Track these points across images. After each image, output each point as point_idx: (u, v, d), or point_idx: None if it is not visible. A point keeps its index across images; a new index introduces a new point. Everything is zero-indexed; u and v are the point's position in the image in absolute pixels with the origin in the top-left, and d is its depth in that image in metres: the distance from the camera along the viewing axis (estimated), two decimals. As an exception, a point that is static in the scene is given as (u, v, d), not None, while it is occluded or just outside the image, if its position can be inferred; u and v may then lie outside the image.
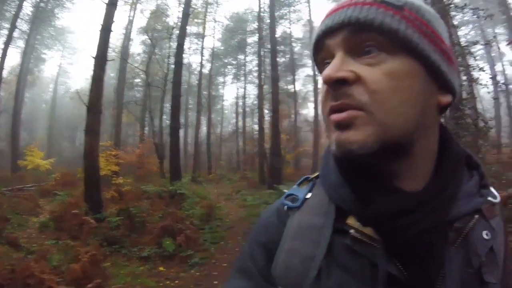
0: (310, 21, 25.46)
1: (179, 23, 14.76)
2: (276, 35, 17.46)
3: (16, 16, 19.34)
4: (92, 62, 8.51)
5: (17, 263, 4.05)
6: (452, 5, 6.41)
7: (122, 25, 22.86)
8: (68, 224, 6.40)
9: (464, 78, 6.23)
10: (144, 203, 9.09)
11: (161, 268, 5.24)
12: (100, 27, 8.68)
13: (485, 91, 7.44)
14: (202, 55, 27.14)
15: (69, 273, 4.13)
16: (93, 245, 5.24)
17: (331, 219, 0.59)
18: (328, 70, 0.53)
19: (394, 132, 0.52)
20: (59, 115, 34.78)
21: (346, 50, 0.54)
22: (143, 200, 9.55)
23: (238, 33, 27.91)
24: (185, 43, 14.96)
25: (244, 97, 30.32)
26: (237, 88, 31.90)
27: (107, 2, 8.89)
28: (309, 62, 26.84)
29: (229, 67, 31.79)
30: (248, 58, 29.54)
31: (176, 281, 4.88)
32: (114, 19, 8.95)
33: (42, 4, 22.35)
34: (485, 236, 0.58)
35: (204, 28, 26.32)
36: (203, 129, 29.44)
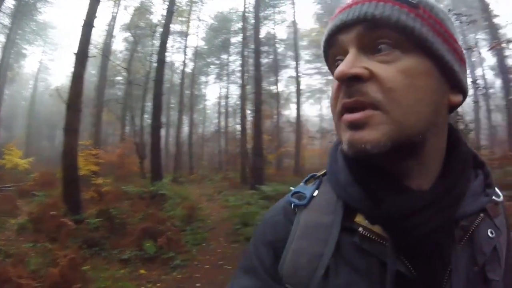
0: (294, 23, 25.54)
1: (163, 21, 14.59)
2: (260, 36, 17.46)
3: (-3, 9, 18.71)
4: (73, 58, 8.32)
5: (-6, 267, 3.95)
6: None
7: (105, 22, 22.33)
8: (46, 226, 6.23)
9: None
10: (125, 204, 8.95)
11: (142, 271, 5.17)
12: (82, 22, 8.48)
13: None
14: (185, 54, 26.89)
15: (47, 278, 4.03)
16: (72, 247, 5.14)
17: (339, 217, 0.59)
18: (342, 66, 0.52)
19: (408, 131, 0.52)
20: (39, 113, 33.75)
21: (360, 46, 0.54)
22: (123, 201, 9.39)
23: (222, 32, 27.75)
24: (168, 41, 14.78)
25: (226, 97, 30.21)
26: (220, 88, 31.74)
27: (90, -4, 8.69)
28: (292, 63, 26.98)
29: (212, 66, 31.56)
30: (232, 58, 29.42)
31: (158, 284, 4.83)
32: (97, 15, 8.78)
33: (25, -2, 21.72)
34: (490, 235, 0.60)
35: (188, 26, 26.07)
36: (185, 128, 29.17)
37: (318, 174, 0.70)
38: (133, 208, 8.47)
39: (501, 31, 14.25)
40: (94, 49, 14.21)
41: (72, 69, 8.53)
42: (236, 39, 27.14)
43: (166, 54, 14.72)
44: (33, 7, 23.46)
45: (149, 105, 19.48)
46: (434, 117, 0.54)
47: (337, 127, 0.58)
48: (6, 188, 11.78)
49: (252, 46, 18.13)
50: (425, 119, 0.53)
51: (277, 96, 25.35)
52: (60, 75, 54.74)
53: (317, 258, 0.57)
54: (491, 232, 0.60)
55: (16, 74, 31.22)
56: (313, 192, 0.65)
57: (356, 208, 0.58)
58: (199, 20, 27.27)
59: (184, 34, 26.37)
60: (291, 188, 0.69)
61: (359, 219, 0.57)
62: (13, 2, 20.94)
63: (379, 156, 0.52)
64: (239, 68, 24.32)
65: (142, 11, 20.91)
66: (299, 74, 25.55)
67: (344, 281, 0.55)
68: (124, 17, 32.36)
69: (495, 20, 14.67)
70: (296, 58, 25.47)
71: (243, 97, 19.77)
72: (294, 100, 26.26)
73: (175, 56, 33.43)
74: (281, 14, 25.65)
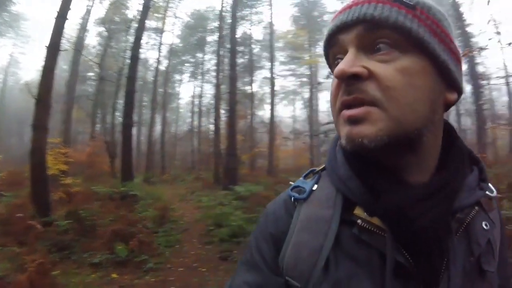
0: (271, 24, 25.61)
1: (139, 16, 14.24)
2: (236, 36, 17.41)
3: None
4: (45, 51, 8.01)
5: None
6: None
7: (79, 15, 21.46)
8: (14, 229, 5.95)
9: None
10: (95, 205, 8.67)
11: (114, 275, 5.02)
12: (56, 14, 8.19)
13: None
14: (159, 51, 26.41)
15: (15, 285, 3.88)
16: (41, 251, 4.94)
17: (339, 210, 0.61)
18: (342, 65, 0.54)
19: (406, 128, 0.54)
20: (8, 108, 32.21)
21: (359, 46, 0.56)
22: (93, 201, 9.08)
23: (198, 30, 27.47)
24: (143, 37, 14.45)
25: (200, 96, 29.90)
26: (194, 87, 31.35)
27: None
28: (267, 64, 27.05)
29: (186, 64, 31.14)
30: (207, 57, 29.18)
31: (131, 289, 4.71)
32: (71, 7, 8.50)
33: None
34: (484, 227, 0.62)
35: (164, 23, 25.57)
36: (158, 127, 28.68)
37: (317, 169, 0.72)
38: (104, 209, 8.23)
39: (474, 39, 14.98)
40: (66, 43, 13.69)
41: (43, 63, 8.22)
42: (212, 38, 26.99)
43: (140, 50, 14.40)
44: (7, -3, 22.24)
45: (121, 102, 19.04)
46: (430, 114, 0.57)
47: (336, 123, 0.61)
48: (-27, 188, 11.14)
49: (228, 46, 18.05)
50: (422, 116, 0.55)
51: (251, 96, 25.38)
52: (31, 69, 52.64)
53: (318, 250, 0.59)
54: (486, 225, 0.63)
55: (-15, 67, 29.65)
56: (313, 186, 0.67)
57: (356, 201, 0.60)
58: (176, 17, 26.86)
59: (159, 31, 25.90)
60: (291, 182, 0.71)
61: (358, 211, 0.59)
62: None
63: (377, 151, 0.54)
64: (214, 67, 24.25)
65: (117, 5, 20.29)
66: (273, 75, 25.66)
67: (345, 273, 0.57)
68: (99, 10, 31.26)
69: (468, 29, 15.39)
70: (272, 59, 25.55)
71: (217, 96, 19.66)
72: (268, 101, 26.43)
73: (150, 53, 32.93)
74: (258, 14, 25.70)
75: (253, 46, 26.27)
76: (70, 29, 20.02)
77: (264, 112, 30.30)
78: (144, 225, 7.31)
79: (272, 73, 25.44)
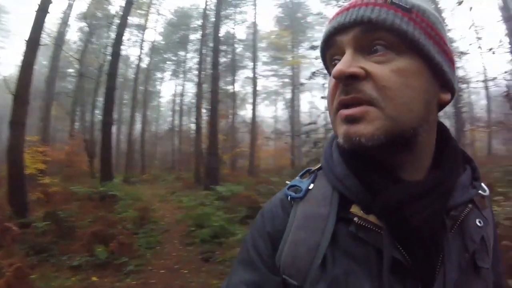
0: (254, 24, 25.60)
1: (121, 12, 13.99)
2: (220, 34, 17.35)
3: None
4: (24, 46, 7.81)
5: None
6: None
7: (60, 9, 20.87)
8: (-10, 231, 5.80)
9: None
10: (73, 205, 8.50)
11: (94, 278, 4.91)
12: (37, 7, 7.99)
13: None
14: (141, 48, 26.02)
15: (-8, 290, 3.78)
16: (18, 255, 4.82)
17: (335, 208, 0.62)
18: (340, 66, 0.56)
19: (401, 126, 0.55)
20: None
21: (356, 47, 0.58)
22: (72, 202, 8.91)
23: (181, 28, 27.22)
24: (125, 34, 14.21)
25: (182, 94, 29.68)
26: (175, 85, 31.13)
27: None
28: (249, 64, 27.02)
29: (168, 62, 30.79)
30: (189, 55, 28.98)
31: (111, 292, 4.62)
32: (52, 0, 8.32)
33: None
34: (478, 224, 0.64)
35: (146, 20, 25.23)
36: (138, 126, 28.26)
37: (313, 168, 0.73)
38: (82, 210, 8.06)
39: (455, 44, 15.46)
40: (47, 37, 13.33)
41: (22, 58, 7.99)
42: (195, 36, 26.80)
43: (122, 47, 14.17)
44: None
45: (101, 100, 18.68)
46: (425, 113, 0.58)
47: (333, 122, 0.62)
48: None
49: (211, 44, 17.94)
50: (417, 115, 0.57)
51: (233, 96, 25.35)
52: (11, 64, 50.83)
53: (315, 248, 0.59)
54: (479, 222, 0.64)
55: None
56: (309, 185, 0.67)
57: (352, 199, 0.61)
58: (159, 14, 26.54)
59: (141, 28, 25.51)
60: (287, 182, 0.72)
61: (355, 209, 0.60)
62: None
63: (374, 149, 0.56)
64: (196, 66, 24.11)
65: (100, 0, 19.92)
66: (256, 75, 25.70)
67: (342, 270, 0.58)
68: (81, 5, 30.39)
69: (450, 34, 15.87)
70: (254, 59, 25.59)
71: (199, 95, 19.54)
72: (250, 100, 26.43)
73: (131, 50, 32.32)
74: (242, 14, 25.69)
75: (236, 45, 26.20)
76: (51, 23, 19.60)
77: (246, 112, 30.33)
78: (124, 226, 7.20)
79: (254, 73, 25.51)
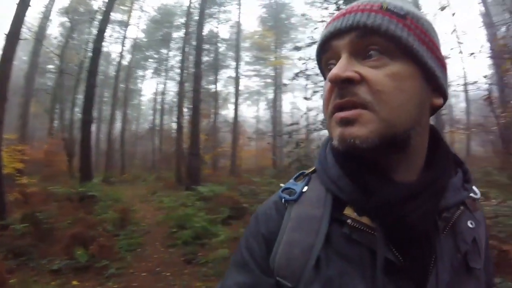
0: (238, 23, 25.59)
1: (104, 8, 13.73)
2: (203, 33, 17.22)
3: None
4: (3, 40, 7.59)
5: None
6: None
7: (42, 3, 20.28)
8: (-33, 234, 5.61)
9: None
10: (52, 206, 8.28)
11: (74, 282, 4.80)
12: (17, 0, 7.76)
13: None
14: (123, 45, 25.62)
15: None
16: (-5, 259, 4.71)
17: (329, 209, 0.63)
18: (336, 70, 0.57)
19: (395, 129, 0.57)
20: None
21: (351, 52, 0.59)
22: (51, 203, 8.68)
23: (164, 26, 26.80)
24: (107, 30, 13.93)
25: (163, 93, 29.29)
26: (157, 84, 30.73)
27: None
28: (232, 63, 26.94)
29: (150, 60, 30.27)
30: (171, 53, 28.58)
31: (92, 297, 4.52)
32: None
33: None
34: (470, 225, 0.65)
35: (129, 16, 24.85)
36: (118, 124, 27.77)
37: (307, 171, 0.74)
38: (62, 211, 7.86)
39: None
40: (27, 32, 12.94)
41: (1, 52, 7.74)
42: (178, 34, 26.40)
43: (103, 43, 13.90)
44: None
45: (80, 97, 18.31)
46: (418, 116, 0.60)
47: (328, 125, 0.63)
48: None
49: (194, 43, 17.79)
50: (410, 118, 0.58)
51: (215, 95, 25.24)
52: None
53: (309, 249, 0.60)
54: (471, 223, 0.66)
55: None
56: (303, 188, 0.68)
57: (346, 201, 0.62)
58: (142, 10, 26.17)
59: (124, 24, 25.12)
60: (281, 184, 0.73)
61: (348, 211, 0.61)
62: None
63: (368, 151, 0.57)
64: (179, 64, 23.81)
65: (83, -6, 19.46)
66: (238, 75, 25.63)
67: (336, 271, 0.58)
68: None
69: None
70: (237, 59, 25.51)
71: (181, 94, 19.34)
72: (232, 100, 26.33)
73: (113, 46, 31.70)
74: (226, 13, 25.52)
75: (219, 44, 26.11)
76: (32, 17, 19.03)
77: (228, 112, 30.21)
78: (104, 228, 7.07)
79: (237, 72, 25.42)
